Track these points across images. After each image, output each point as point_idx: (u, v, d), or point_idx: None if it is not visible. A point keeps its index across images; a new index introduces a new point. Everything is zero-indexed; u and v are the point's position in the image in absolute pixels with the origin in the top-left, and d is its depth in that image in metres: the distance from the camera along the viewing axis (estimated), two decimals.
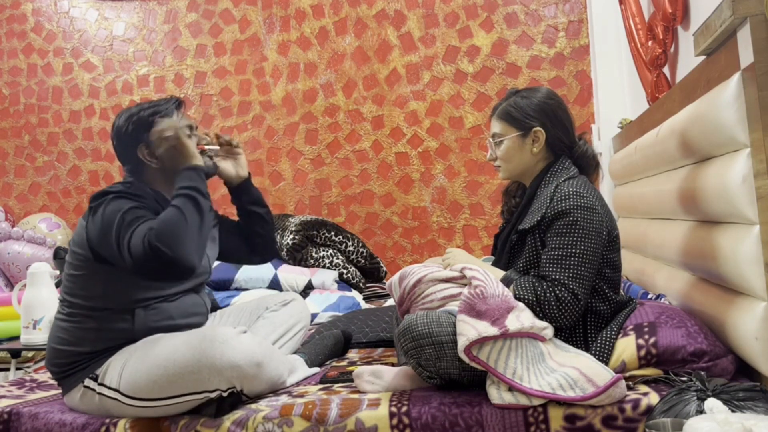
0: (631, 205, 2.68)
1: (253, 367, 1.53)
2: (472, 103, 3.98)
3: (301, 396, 1.61)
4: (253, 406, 1.55)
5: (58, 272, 2.67)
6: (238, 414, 1.51)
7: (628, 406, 1.43)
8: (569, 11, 3.86)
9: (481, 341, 1.46)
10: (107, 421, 1.56)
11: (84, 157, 4.51)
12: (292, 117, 4.24)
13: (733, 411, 1.24)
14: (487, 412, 1.45)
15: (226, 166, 1.88)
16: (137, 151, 1.71)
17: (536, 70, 3.88)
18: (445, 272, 1.71)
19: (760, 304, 1.40)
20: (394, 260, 4.06)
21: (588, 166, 1.81)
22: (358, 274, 3.53)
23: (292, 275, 3.22)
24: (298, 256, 3.44)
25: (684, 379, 1.42)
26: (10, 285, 3.96)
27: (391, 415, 1.47)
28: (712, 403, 1.26)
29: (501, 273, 1.70)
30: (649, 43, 2.63)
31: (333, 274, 3.32)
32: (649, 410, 1.38)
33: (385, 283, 3.67)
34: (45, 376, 2.02)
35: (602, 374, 1.44)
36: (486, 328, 1.46)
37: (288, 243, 3.41)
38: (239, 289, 3.17)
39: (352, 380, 1.70)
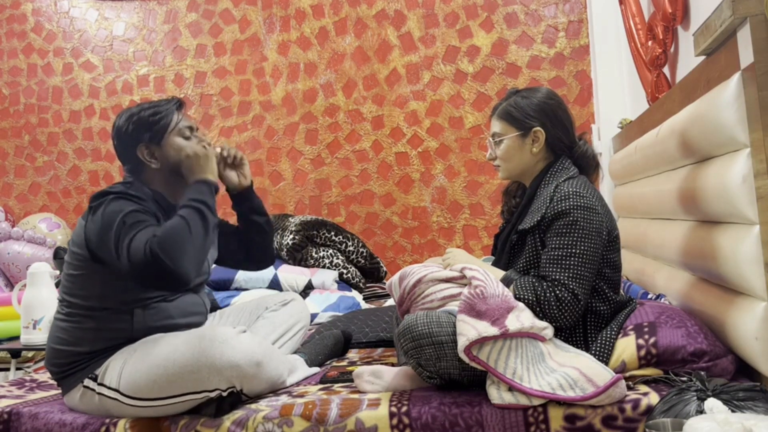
0: (631, 205, 2.67)
1: (252, 366, 1.53)
2: (472, 103, 3.98)
3: (301, 396, 1.61)
4: (253, 406, 1.55)
5: (58, 272, 2.67)
6: (238, 414, 1.51)
7: (628, 406, 1.42)
8: (569, 11, 3.85)
9: (481, 341, 1.46)
10: (107, 421, 1.56)
11: (84, 157, 4.51)
12: (292, 117, 4.24)
13: (733, 411, 1.24)
14: (487, 412, 1.45)
15: (230, 174, 1.88)
16: (137, 151, 1.72)
17: (536, 70, 3.88)
18: (445, 272, 1.70)
19: (760, 304, 1.40)
20: (394, 260, 4.06)
21: (588, 166, 1.81)
22: (358, 274, 3.53)
23: (292, 275, 3.22)
24: (298, 256, 3.44)
25: (684, 379, 1.42)
26: (10, 285, 3.96)
27: (391, 415, 1.47)
28: (712, 403, 1.26)
29: (501, 273, 1.70)
30: (649, 43, 2.63)
31: (333, 274, 3.32)
32: (649, 410, 1.38)
33: (385, 283, 3.67)
34: (45, 376, 2.02)
35: (602, 374, 1.44)
36: (486, 328, 1.46)
37: (288, 243, 3.41)
38: (239, 289, 3.17)
39: (352, 380, 1.69)
